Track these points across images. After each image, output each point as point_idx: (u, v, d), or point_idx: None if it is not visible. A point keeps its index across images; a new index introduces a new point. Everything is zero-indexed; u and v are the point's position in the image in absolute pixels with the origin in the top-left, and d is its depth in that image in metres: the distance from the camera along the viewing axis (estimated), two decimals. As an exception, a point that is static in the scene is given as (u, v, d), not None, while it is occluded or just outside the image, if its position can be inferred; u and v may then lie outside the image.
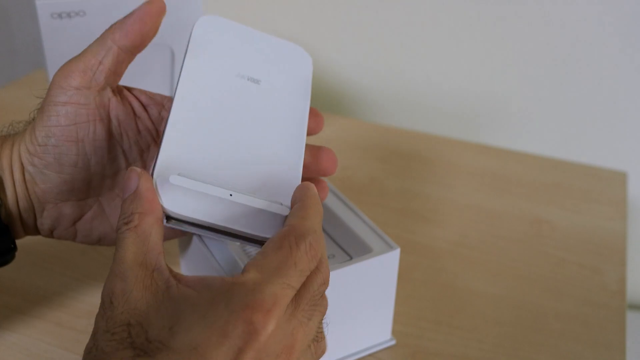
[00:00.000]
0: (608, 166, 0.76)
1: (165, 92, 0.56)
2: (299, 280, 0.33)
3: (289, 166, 0.39)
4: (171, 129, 0.37)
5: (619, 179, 0.72)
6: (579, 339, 0.51)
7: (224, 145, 0.38)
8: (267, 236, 0.35)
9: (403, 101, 0.91)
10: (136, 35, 0.39)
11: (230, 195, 0.36)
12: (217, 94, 0.40)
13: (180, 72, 0.39)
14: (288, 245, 0.33)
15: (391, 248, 0.45)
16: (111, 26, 0.39)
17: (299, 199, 0.36)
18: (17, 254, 0.42)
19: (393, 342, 0.49)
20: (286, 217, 0.36)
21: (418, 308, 0.52)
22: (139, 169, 0.34)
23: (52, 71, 0.51)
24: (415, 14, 0.84)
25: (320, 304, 0.35)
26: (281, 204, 0.37)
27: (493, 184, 0.70)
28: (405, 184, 0.69)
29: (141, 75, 0.54)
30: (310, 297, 0.34)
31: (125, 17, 0.39)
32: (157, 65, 0.54)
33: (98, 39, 0.39)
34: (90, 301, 0.50)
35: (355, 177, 0.70)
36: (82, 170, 0.40)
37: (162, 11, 0.39)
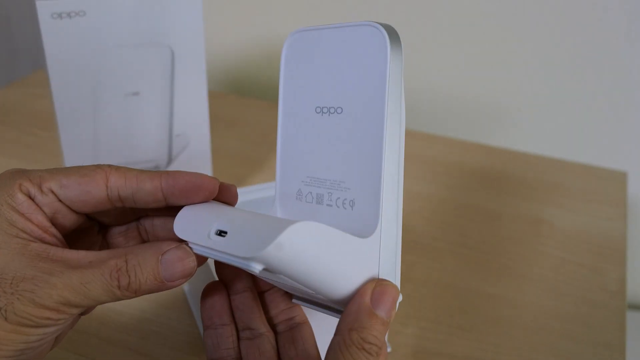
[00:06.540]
0: (608, 166, 0.76)
1: (165, 93, 0.56)
2: None
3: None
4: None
5: (619, 179, 0.72)
6: (579, 339, 0.50)
7: None
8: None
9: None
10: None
11: None
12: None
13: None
14: None
15: None
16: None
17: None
18: None
19: (388, 350, 0.48)
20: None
21: (418, 308, 0.52)
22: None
23: (52, 71, 0.50)
24: (415, 14, 0.84)
25: None
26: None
27: (493, 184, 0.70)
28: (406, 184, 0.69)
29: (141, 75, 0.54)
30: None
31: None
32: (157, 65, 0.54)
33: None
34: (90, 301, 0.50)
35: (355, 177, 0.70)
36: None
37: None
